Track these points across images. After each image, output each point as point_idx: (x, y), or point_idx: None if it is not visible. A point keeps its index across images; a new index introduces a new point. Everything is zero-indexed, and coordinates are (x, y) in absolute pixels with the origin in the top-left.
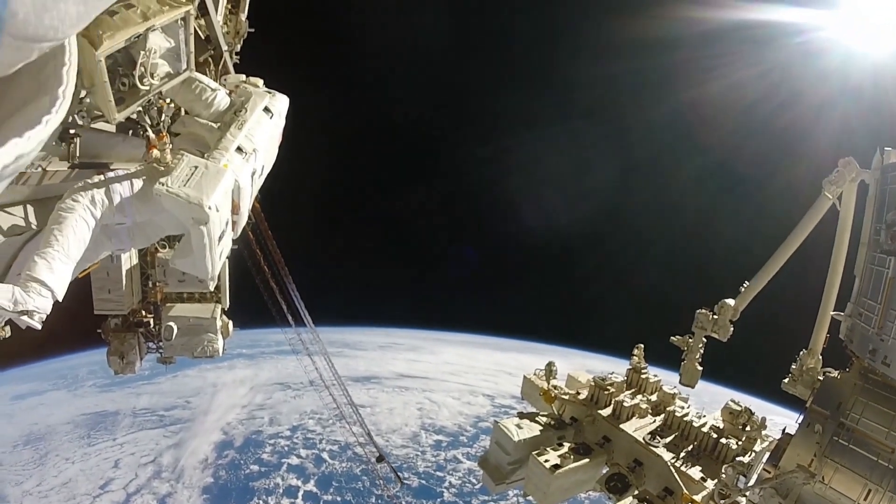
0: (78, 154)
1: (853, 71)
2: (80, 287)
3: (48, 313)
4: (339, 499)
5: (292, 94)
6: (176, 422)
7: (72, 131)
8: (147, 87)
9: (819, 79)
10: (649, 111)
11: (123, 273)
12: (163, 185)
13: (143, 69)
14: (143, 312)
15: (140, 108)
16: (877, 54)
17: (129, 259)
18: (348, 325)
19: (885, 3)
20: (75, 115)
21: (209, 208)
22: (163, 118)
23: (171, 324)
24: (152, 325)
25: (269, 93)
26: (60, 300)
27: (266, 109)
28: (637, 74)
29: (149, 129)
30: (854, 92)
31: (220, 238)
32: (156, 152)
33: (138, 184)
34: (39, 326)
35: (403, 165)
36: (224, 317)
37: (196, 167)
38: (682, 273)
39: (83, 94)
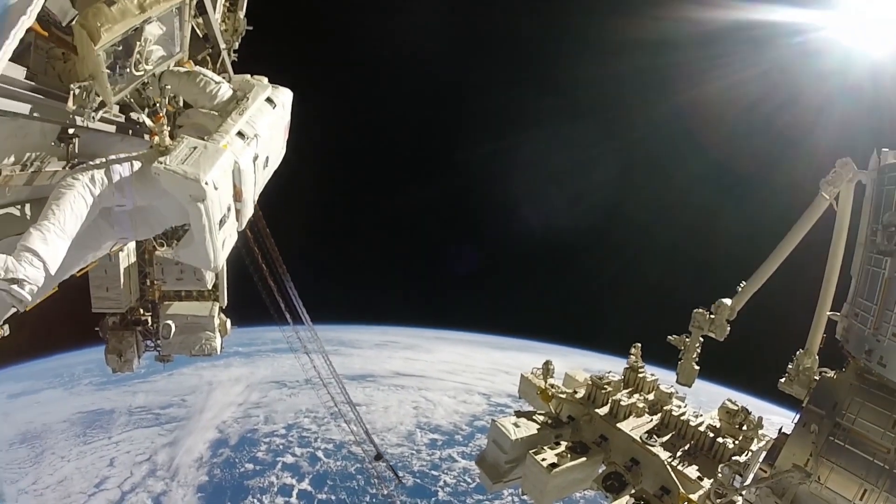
0: (77, 153)
1: (852, 71)
2: (78, 285)
3: (39, 286)
4: (333, 497)
5: (293, 90)
6: (171, 420)
7: (70, 131)
8: (141, 73)
9: (818, 79)
10: (649, 111)
11: (121, 271)
12: (161, 163)
13: (139, 56)
14: (141, 310)
15: (137, 95)
16: (875, 54)
17: (127, 257)
18: (345, 324)
19: (882, 3)
20: (80, 107)
21: (206, 184)
22: (160, 102)
23: (169, 322)
24: (150, 324)
25: (273, 85)
26: (52, 273)
27: (269, 100)
28: (637, 74)
29: (143, 115)
30: (853, 92)
31: (222, 223)
32: (157, 138)
33: (138, 165)
34: (29, 298)
35: (404, 164)
36: (222, 315)
37: (195, 147)
38: (681, 273)
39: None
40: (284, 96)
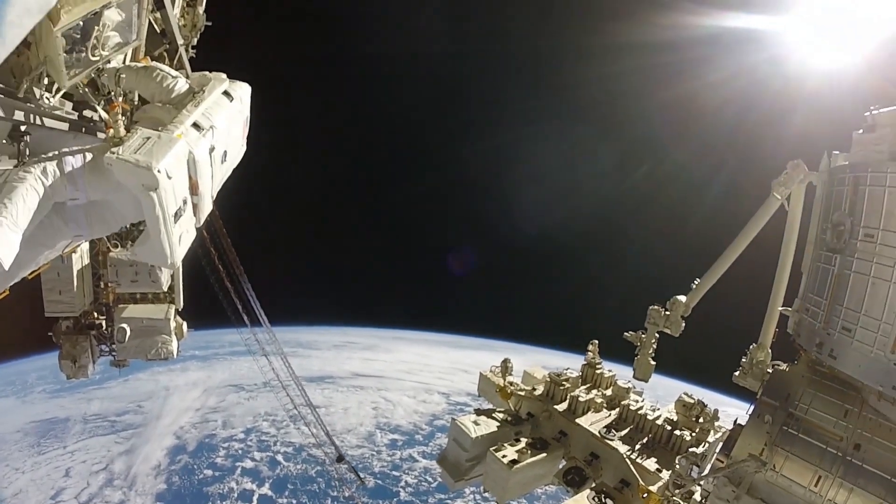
0: (28, 153)
1: (810, 77)
2: (30, 289)
3: None
4: (294, 502)
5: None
6: (128, 427)
7: (22, 128)
8: (97, 58)
9: (780, 85)
10: (630, 112)
11: (74, 273)
12: (113, 153)
13: (95, 41)
14: (95, 314)
15: (92, 88)
16: (832, 61)
17: (80, 259)
18: (303, 325)
19: (839, 10)
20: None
21: (158, 171)
22: (115, 91)
23: (124, 325)
24: (104, 328)
25: (230, 80)
26: (7, 269)
27: (226, 93)
28: (621, 77)
29: (99, 108)
30: (811, 98)
31: (177, 216)
32: (111, 130)
33: (90, 157)
34: None
35: (389, 162)
36: (178, 317)
37: (148, 137)
38: (645, 272)
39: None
40: (242, 90)
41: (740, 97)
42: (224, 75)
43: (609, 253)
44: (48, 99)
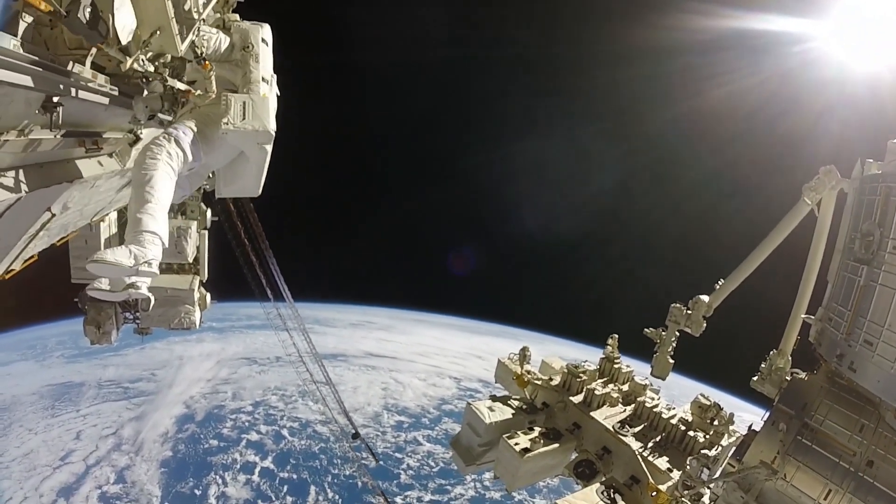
0: (61, 122)
1: (849, 81)
2: (58, 255)
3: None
4: (294, 477)
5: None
6: (140, 394)
7: (55, 100)
8: (197, 17)
9: (817, 88)
10: (652, 117)
11: (102, 242)
12: (227, 124)
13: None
14: None
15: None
16: (872, 64)
17: (108, 228)
18: (323, 302)
19: (878, 13)
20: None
21: (273, 131)
22: (202, 52)
23: (149, 294)
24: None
25: (257, 24)
26: (167, 246)
27: (263, 40)
28: (640, 81)
29: (178, 82)
30: (850, 102)
31: None
32: (193, 97)
33: (191, 127)
34: (158, 273)
35: (412, 166)
36: (202, 288)
37: (244, 103)
38: (672, 272)
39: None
40: (269, 33)
41: (774, 101)
42: (250, 24)
43: (635, 250)
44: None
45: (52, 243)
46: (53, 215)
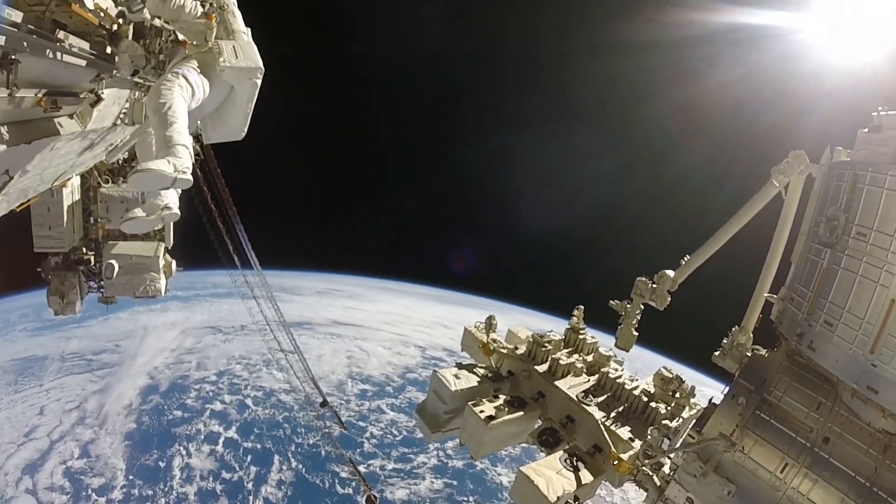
0: (17, 80)
1: (829, 74)
2: (20, 223)
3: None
4: (258, 446)
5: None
6: (104, 366)
7: (12, 56)
8: None
9: (797, 81)
10: (638, 111)
11: (65, 208)
12: (224, 62)
13: None
14: (84, 250)
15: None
16: (852, 59)
17: (71, 194)
18: (290, 269)
19: (859, 8)
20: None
21: (262, 66)
22: (207, 7)
23: (113, 262)
24: (93, 264)
25: None
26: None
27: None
28: (627, 75)
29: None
30: (830, 95)
31: None
32: (189, 48)
33: (195, 68)
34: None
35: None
36: (167, 256)
37: (234, 46)
38: (643, 251)
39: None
40: None
41: (754, 95)
42: None
43: (603, 224)
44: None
45: (11, 209)
46: (11, 178)
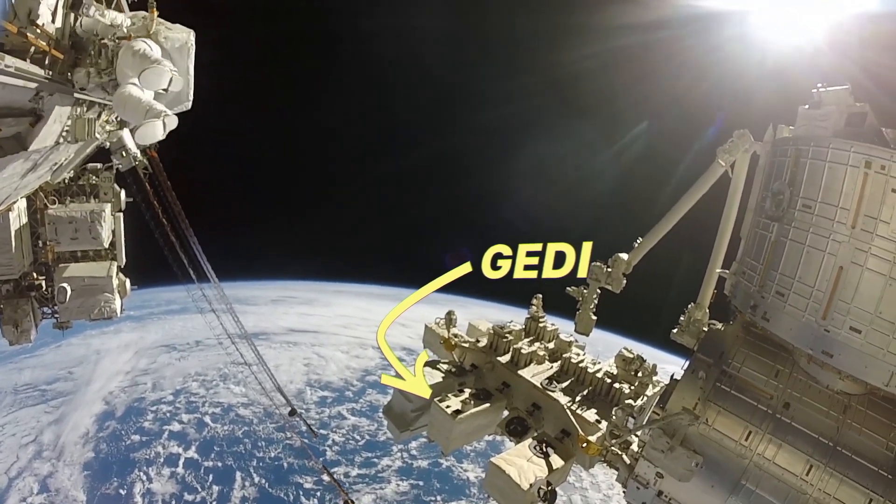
0: None
1: (770, 58)
2: None
3: None
4: (219, 464)
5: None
6: (58, 396)
7: None
8: None
9: (741, 64)
10: (590, 97)
11: (12, 233)
12: (165, 38)
13: None
14: (35, 275)
15: None
16: (790, 42)
17: (17, 218)
18: (242, 280)
19: None
20: None
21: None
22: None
23: (65, 285)
24: (45, 289)
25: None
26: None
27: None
28: (574, 63)
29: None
30: (771, 77)
31: None
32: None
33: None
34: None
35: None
36: (120, 275)
37: (169, 29)
38: (600, 237)
39: None
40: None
41: (707, 77)
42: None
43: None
44: None
45: None
46: None
